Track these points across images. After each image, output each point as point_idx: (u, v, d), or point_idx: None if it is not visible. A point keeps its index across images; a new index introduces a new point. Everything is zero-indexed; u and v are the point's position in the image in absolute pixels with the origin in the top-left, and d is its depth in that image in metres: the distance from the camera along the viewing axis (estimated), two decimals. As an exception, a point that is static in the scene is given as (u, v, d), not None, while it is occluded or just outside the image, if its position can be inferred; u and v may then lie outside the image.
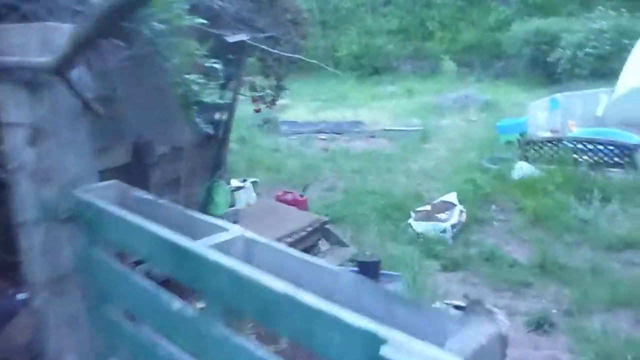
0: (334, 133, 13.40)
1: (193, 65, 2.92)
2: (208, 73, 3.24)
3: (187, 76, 2.93)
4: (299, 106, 17.65)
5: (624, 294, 5.28)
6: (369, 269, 4.33)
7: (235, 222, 4.61)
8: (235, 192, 6.11)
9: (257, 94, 9.29)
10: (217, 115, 4.29)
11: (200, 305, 3.86)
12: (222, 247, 1.40)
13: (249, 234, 1.53)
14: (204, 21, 2.91)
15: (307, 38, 8.43)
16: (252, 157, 11.08)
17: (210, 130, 3.70)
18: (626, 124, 11.57)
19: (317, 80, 23.87)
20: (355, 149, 11.73)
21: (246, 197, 6.16)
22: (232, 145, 12.24)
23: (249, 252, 1.49)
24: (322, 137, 13.14)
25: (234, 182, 7.40)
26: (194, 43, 2.75)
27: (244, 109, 10.72)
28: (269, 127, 14.08)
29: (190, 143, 4.16)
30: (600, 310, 5.14)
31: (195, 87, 3.02)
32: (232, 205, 4.57)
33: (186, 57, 2.72)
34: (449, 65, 19.24)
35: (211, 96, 3.78)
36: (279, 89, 9.20)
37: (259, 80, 9.62)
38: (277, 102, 14.15)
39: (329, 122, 15.07)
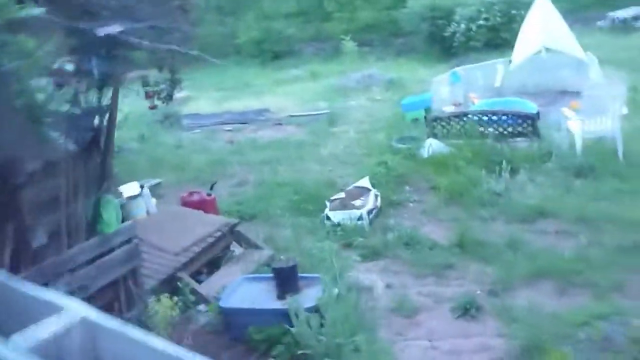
0: (239, 123, 12.85)
1: (41, 69, 2.40)
2: (64, 75, 2.71)
3: (35, 82, 2.40)
4: (202, 98, 16.90)
5: (543, 265, 5.27)
6: (285, 275, 3.98)
7: (130, 239, 4.11)
8: (132, 201, 5.56)
9: (151, 89, 8.66)
10: (95, 121, 3.75)
11: None
12: (51, 344, 0.98)
13: (92, 314, 1.11)
14: (42, 9, 2.34)
15: (199, 25, 7.88)
16: (154, 156, 10.40)
17: (70, 143, 3.20)
18: (523, 92, 11.91)
19: (218, 69, 23.04)
20: (262, 138, 11.29)
21: (145, 205, 5.61)
22: (132, 144, 11.54)
23: (91, 341, 1.08)
24: (228, 128, 12.58)
25: (130, 189, 6.80)
26: (31, 40, 2.22)
27: (142, 105, 10.04)
28: (171, 123, 13.32)
29: (66, 156, 3.61)
30: (523, 285, 5.09)
31: (41, 96, 2.48)
32: (124, 220, 4.05)
33: (25, 58, 2.19)
34: (349, 45, 19.07)
35: (66, 104, 3.25)
36: (175, 82, 8.57)
37: (152, 75, 9.01)
38: (174, 96, 13.44)
39: (233, 112, 14.48)
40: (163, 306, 3.43)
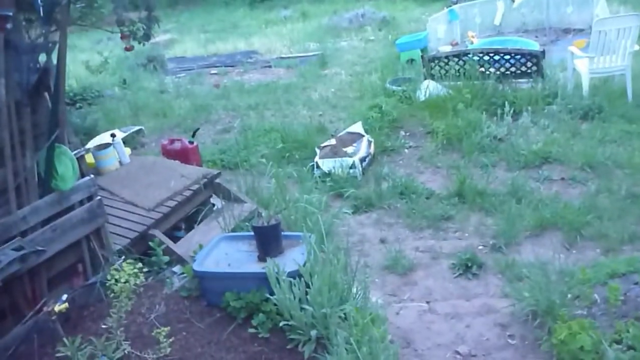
0: (226, 66, 12.24)
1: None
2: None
3: None
4: (187, 40, 16.22)
5: (549, 216, 4.88)
6: (266, 235, 3.55)
7: (91, 196, 3.64)
8: (102, 152, 5.08)
9: (126, 29, 8.02)
10: (40, 59, 3.22)
11: (57, 307, 2.89)
12: None
13: None
14: None
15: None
16: (136, 101, 9.86)
17: (12, 86, 2.69)
18: (524, 31, 11.33)
19: (205, 9, 22.18)
20: (250, 81, 10.72)
21: (117, 156, 5.13)
22: (113, 90, 10.96)
23: None
24: (214, 71, 11.97)
25: (101, 137, 6.31)
26: None
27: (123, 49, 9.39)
28: (154, 67, 12.69)
29: (8, 101, 3.10)
30: (528, 237, 4.72)
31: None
32: (84, 175, 3.58)
33: None
34: (341, -17, 18.22)
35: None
36: (151, 21, 7.96)
37: (129, 14, 8.35)
38: (157, 38, 12.77)
39: (220, 54, 13.86)
40: (125, 274, 3.02)
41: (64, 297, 3.34)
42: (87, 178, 3.62)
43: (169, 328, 3.08)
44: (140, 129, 8.36)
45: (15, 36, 3.11)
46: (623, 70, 7.03)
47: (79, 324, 3.45)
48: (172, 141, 6.58)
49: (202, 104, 9.34)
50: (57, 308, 3.21)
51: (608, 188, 5.25)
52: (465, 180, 5.53)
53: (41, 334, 3.26)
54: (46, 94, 3.42)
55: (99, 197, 3.72)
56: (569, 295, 3.56)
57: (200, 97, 9.90)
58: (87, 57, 12.29)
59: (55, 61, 3.33)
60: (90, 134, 7.64)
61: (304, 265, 3.17)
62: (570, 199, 5.18)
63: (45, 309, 3.27)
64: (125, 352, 2.98)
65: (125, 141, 7.40)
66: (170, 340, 3.08)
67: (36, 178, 3.40)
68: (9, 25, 3.04)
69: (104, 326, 3.11)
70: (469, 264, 4.32)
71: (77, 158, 3.52)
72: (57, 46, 3.23)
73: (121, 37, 8.19)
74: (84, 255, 3.73)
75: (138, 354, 3.04)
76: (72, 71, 11.88)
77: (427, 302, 4.02)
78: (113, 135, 5.52)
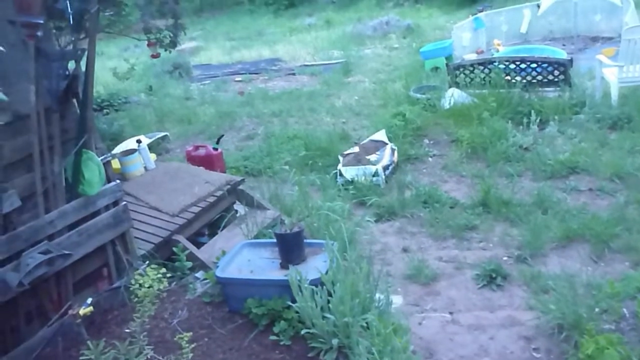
0: (250, 73, 12.34)
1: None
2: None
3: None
4: (212, 47, 16.42)
5: (576, 227, 4.79)
6: (289, 242, 3.55)
7: (117, 201, 3.69)
8: (128, 157, 5.14)
9: (153, 37, 8.15)
10: (69, 66, 3.28)
11: (82, 310, 2.92)
12: None
13: None
14: None
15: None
16: (162, 108, 10.00)
17: (42, 93, 2.72)
18: (551, 39, 11.20)
19: (230, 17, 22.42)
20: (274, 89, 10.78)
21: (142, 161, 5.18)
22: (139, 96, 11.12)
23: None
24: (238, 79, 12.08)
25: (129, 144, 6.39)
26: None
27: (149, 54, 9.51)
28: (180, 74, 12.88)
29: (39, 107, 3.16)
30: (554, 249, 4.63)
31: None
32: (110, 180, 3.62)
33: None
34: (366, -9, 18.28)
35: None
36: (177, 28, 8.09)
37: (155, 21, 8.48)
38: (183, 46, 12.91)
39: (245, 62, 13.99)
40: (149, 278, 3.04)
41: (89, 300, 3.38)
42: (113, 183, 3.66)
43: (191, 333, 3.09)
44: (166, 135, 8.46)
45: (45, 43, 3.17)
46: (653, 80, 6.90)
47: (103, 328, 3.48)
48: (196, 147, 6.64)
49: (226, 111, 9.42)
50: (82, 311, 3.25)
51: (637, 199, 5.13)
52: (490, 189, 5.46)
53: (66, 336, 3.30)
54: (74, 101, 3.46)
55: (124, 202, 3.77)
56: (597, 309, 3.49)
57: (225, 104, 9.99)
58: (115, 64, 12.50)
59: (83, 68, 3.37)
60: (117, 139, 7.76)
61: (326, 273, 3.15)
62: (598, 210, 5.08)
63: (70, 312, 3.31)
64: (148, 356, 3.00)
65: (151, 147, 7.50)
66: (193, 345, 3.08)
67: (64, 183, 3.45)
68: (39, 33, 3.10)
69: (127, 330, 3.13)
70: (494, 275, 4.26)
71: (103, 163, 3.56)
72: (86, 53, 3.28)
73: (148, 45, 8.34)
74: (109, 259, 3.77)
75: (160, 358, 3.05)
76: (100, 78, 12.09)
77: (450, 313, 3.97)
78: (139, 142, 5.59)
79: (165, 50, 8.10)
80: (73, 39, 3.28)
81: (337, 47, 13.61)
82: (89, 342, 2.95)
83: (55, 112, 3.33)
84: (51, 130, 3.33)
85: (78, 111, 3.47)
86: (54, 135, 3.34)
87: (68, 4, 3.20)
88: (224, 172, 6.20)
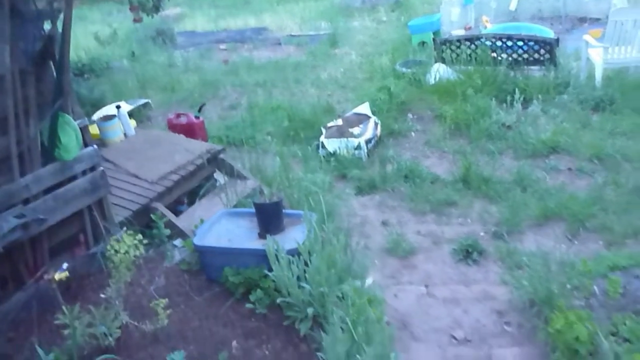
0: (236, 42, 12.16)
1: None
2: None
3: None
4: (197, 14, 16.09)
5: (553, 206, 4.84)
6: (268, 212, 3.55)
7: (94, 166, 3.64)
8: (107, 123, 5.07)
9: (135, 0, 7.99)
10: (45, 27, 3.19)
11: (58, 275, 2.90)
12: None
13: None
14: None
15: None
16: (144, 74, 9.81)
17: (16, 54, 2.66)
18: (539, 18, 11.18)
19: (217, -16, 21.99)
20: (259, 58, 10.64)
21: (122, 128, 5.12)
22: (121, 62, 10.92)
23: None
24: (223, 47, 11.90)
25: (107, 109, 6.30)
26: None
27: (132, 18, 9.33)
28: (164, 40, 12.61)
29: (14, 69, 3.08)
30: (531, 227, 4.68)
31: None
32: (87, 145, 3.57)
33: None
34: (356, -38, 17.98)
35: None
36: (161, -8, 7.93)
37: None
38: (167, 12, 12.67)
39: (230, 30, 13.76)
40: (125, 245, 3.02)
41: (65, 265, 3.37)
42: (90, 148, 3.62)
43: (167, 300, 3.10)
44: (147, 102, 8.34)
45: (20, 3, 3.08)
46: (638, 62, 6.93)
47: (79, 293, 3.47)
48: (178, 115, 6.56)
49: (210, 80, 9.30)
50: (57, 276, 3.23)
51: (615, 181, 5.20)
52: (471, 166, 5.49)
53: (41, 301, 3.29)
54: (51, 63, 3.39)
55: (101, 168, 3.73)
56: (568, 286, 3.53)
57: (209, 72, 9.85)
58: (98, 28, 12.24)
59: (60, 29, 3.29)
60: (97, 105, 7.63)
61: (304, 243, 3.16)
62: (576, 190, 5.13)
63: (46, 277, 3.29)
64: (123, 322, 3.00)
65: (132, 114, 7.40)
66: (168, 312, 3.09)
67: (39, 147, 3.40)
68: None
69: (103, 296, 3.12)
70: (470, 250, 4.31)
71: (80, 128, 3.51)
72: (63, 14, 3.20)
73: (130, 9, 8.18)
74: (85, 225, 3.74)
75: (136, 324, 3.06)
76: (81, 42, 11.85)
77: (426, 286, 4.02)
78: (118, 107, 5.51)
79: (148, 14, 7.95)
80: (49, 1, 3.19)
81: (324, 18, 13.44)
82: (64, 307, 2.94)
83: (31, 74, 3.26)
84: (26, 92, 3.27)
85: (54, 74, 3.39)
86: (29, 98, 3.28)
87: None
88: (206, 141, 6.15)
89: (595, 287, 3.49)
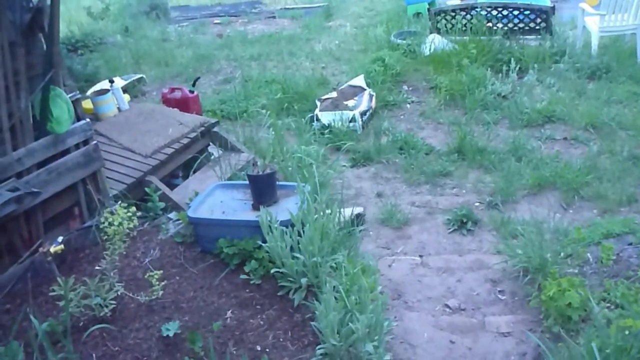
0: (230, 16, 12.03)
1: None
2: None
3: None
4: (191, -12, 15.89)
5: (548, 175, 4.86)
6: (261, 184, 3.54)
7: (87, 140, 3.63)
8: (101, 98, 5.03)
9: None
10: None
11: (53, 248, 2.91)
12: None
13: None
14: None
15: None
16: (138, 49, 9.72)
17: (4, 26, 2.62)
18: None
19: (211, -43, 21.65)
20: (253, 32, 10.55)
21: (115, 102, 5.08)
22: (115, 37, 10.81)
23: None
24: (217, 21, 11.78)
25: (102, 84, 6.25)
26: None
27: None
28: (157, 15, 12.47)
29: (3, 41, 3.05)
30: (526, 196, 4.71)
31: None
32: (80, 118, 3.54)
33: None
34: None
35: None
36: (153, -36, 7.79)
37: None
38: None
39: (224, 4, 13.60)
40: (118, 217, 3.02)
41: (60, 239, 3.38)
42: (83, 122, 3.59)
43: (161, 271, 3.11)
44: (142, 77, 8.28)
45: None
46: (634, 30, 6.89)
47: (75, 266, 3.48)
48: (172, 90, 6.51)
49: (204, 54, 9.22)
50: (52, 249, 3.24)
51: (610, 149, 5.21)
52: (466, 137, 5.49)
53: (37, 274, 3.30)
54: (40, 35, 3.35)
55: (95, 142, 3.71)
56: (562, 254, 3.57)
57: (203, 46, 9.76)
58: (90, 3, 12.08)
59: (49, 1, 3.25)
60: (92, 80, 7.58)
61: (297, 214, 3.16)
62: (571, 159, 5.15)
63: (41, 249, 3.30)
64: (118, 293, 3.02)
65: (127, 89, 7.35)
66: (163, 283, 3.11)
67: (31, 120, 3.37)
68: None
69: (98, 268, 3.13)
70: (464, 220, 4.32)
71: (73, 101, 3.48)
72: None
73: (122, -19, 8.04)
74: (80, 198, 3.73)
75: (131, 295, 3.08)
76: (74, 17, 11.71)
77: (420, 256, 4.05)
78: (111, 81, 5.46)
79: (141, -13, 7.81)
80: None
81: (319, -10, 13.29)
82: (58, 279, 2.95)
83: (20, 46, 3.21)
84: (16, 65, 3.22)
85: (44, 46, 3.36)
86: (19, 71, 3.24)
87: None
88: (200, 115, 6.13)
89: (589, 255, 3.52)
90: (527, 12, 7.33)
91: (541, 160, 5.13)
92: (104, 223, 3.05)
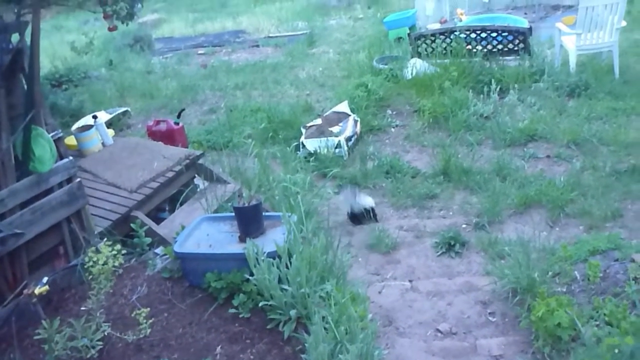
0: (213, 46, 12.14)
1: None
2: None
3: None
4: (175, 19, 16.02)
5: (533, 194, 4.90)
6: (247, 215, 3.54)
7: (70, 177, 3.62)
8: (85, 134, 5.04)
9: (109, 8, 7.90)
10: (13, 41, 3.16)
11: (38, 289, 2.87)
12: None
13: None
14: None
15: None
16: (123, 82, 9.77)
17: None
18: (513, 7, 11.26)
19: (193, -12, 21.88)
20: (237, 61, 10.63)
21: (99, 137, 5.08)
22: (99, 71, 10.84)
23: None
24: (201, 51, 11.87)
25: (86, 119, 6.26)
26: None
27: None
28: (141, 47, 12.56)
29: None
30: (512, 215, 4.73)
31: None
32: (62, 157, 3.54)
33: None
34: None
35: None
36: (134, 0, 7.85)
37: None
38: (144, 19, 12.55)
39: (208, 34, 13.72)
40: (103, 255, 3.00)
41: (45, 279, 3.34)
42: (66, 160, 3.58)
43: (149, 309, 3.08)
44: (127, 110, 8.31)
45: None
46: (610, 47, 7.01)
47: (61, 306, 3.44)
48: (157, 122, 6.54)
49: (189, 85, 9.28)
50: (37, 290, 3.20)
51: (593, 165, 5.27)
52: (451, 158, 5.53)
53: (22, 316, 3.25)
54: (21, 76, 3.36)
55: (79, 179, 3.70)
56: (550, 273, 3.58)
57: (187, 77, 9.83)
58: (74, 37, 12.16)
59: (29, 42, 3.26)
60: (77, 115, 7.60)
61: (283, 245, 3.15)
62: (555, 177, 5.19)
63: (25, 291, 3.26)
64: (105, 333, 2.97)
65: (112, 123, 7.37)
66: (151, 321, 3.07)
67: (13, 161, 3.36)
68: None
69: (84, 308, 3.09)
70: (452, 243, 4.34)
71: (55, 140, 3.48)
72: (31, 26, 3.17)
73: (104, 17, 8.06)
74: (64, 237, 3.71)
75: (118, 335, 3.03)
76: (58, 52, 11.75)
77: (410, 281, 4.04)
78: (95, 117, 5.47)
79: (123, 22, 7.85)
80: (16, 11, 3.16)
81: (301, 18, 13.45)
82: (44, 321, 2.92)
83: (1, 87, 3.22)
84: (-4, 106, 3.23)
85: (25, 86, 3.36)
86: (0, 111, 3.24)
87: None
88: (186, 147, 6.14)
89: (576, 272, 3.53)
90: (505, 34, 7.45)
91: (526, 179, 5.18)
92: (89, 262, 3.03)
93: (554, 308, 3.03)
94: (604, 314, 3.01)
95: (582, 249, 3.81)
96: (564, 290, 3.42)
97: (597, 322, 3.01)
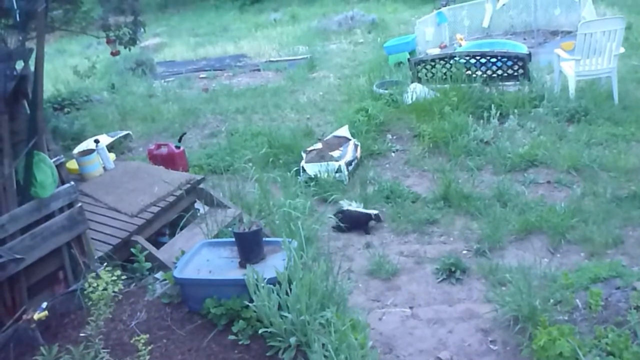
0: (215, 70, 12.23)
1: None
2: None
3: None
4: (177, 44, 16.19)
5: (534, 220, 4.89)
6: (247, 241, 3.53)
7: (71, 203, 3.62)
8: (86, 158, 5.05)
9: (112, 34, 8.02)
10: (17, 67, 3.19)
11: (37, 315, 2.85)
12: None
13: None
14: None
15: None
16: (124, 106, 9.82)
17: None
18: (512, 33, 11.39)
19: (195, 13, 22.14)
20: (238, 85, 10.70)
21: (101, 161, 5.09)
22: (101, 95, 10.91)
23: None
24: (203, 75, 11.96)
25: (87, 143, 6.29)
26: None
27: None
28: (143, 70, 12.65)
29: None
30: (512, 241, 4.72)
31: None
32: (64, 182, 3.54)
33: None
34: (331, -14, 18.27)
35: None
36: (137, 25, 7.96)
37: (116, 18, 8.33)
38: (146, 43, 12.69)
39: (209, 58, 13.84)
40: (102, 281, 2.99)
41: (44, 305, 3.33)
42: (67, 185, 3.59)
43: (148, 335, 3.06)
44: (128, 134, 8.34)
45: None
46: (609, 73, 7.06)
47: (59, 332, 3.41)
48: (158, 146, 6.57)
49: (190, 108, 9.32)
50: (36, 316, 3.19)
51: (593, 191, 5.27)
52: (451, 184, 5.53)
53: (20, 342, 3.23)
54: (24, 101, 3.38)
55: (79, 204, 3.70)
56: (551, 301, 3.56)
57: (189, 101, 9.87)
58: (77, 61, 12.26)
59: (33, 68, 3.29)
60: (78, 139, 7.62)
61: (283, 272, 3.14)
62: (555, 202, 5.19)
63: (24, 317, 3.24)
64: (104, 360, 2.96)
65: (113, 146, 7.39)
66: (150, 347, 3.05)
67: (15, 186, 3.37)
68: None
69: (82, 334, 3.08)
70: (453, 269, 4.32)
71: (57, 165, 3.49)
72: (35, 52, 3.20)
73: (107, 42, 8.20)
74: (64, 262, 3.70)
75: (116, 362, 3.02)
76: (61, 76, 11.86)
77: (410, 308, 4.02)
78: (97, 141, 5.50)
79: (125, 47, 7.96)
80: (20, 38, 3.20)
81: (302, 43, 13.58)
82: (42, 348, 2.90)
83: (4, 113, 3.24)
84: (0, 132, 3.25)
85: (28, 112, 3.38)
86: (3, 138, 3.26)
87: (14, 2, 3.12)
88: (187, 171, 6.16)
89: (578, 300, 3.51)
90: (504, 59, 7.52)
91: (526, 205, 5.17)
92: (88, 288, 3.02)
93: (556, 337, 3.02)
94: (606, 344, 2.98)
95: (583, 276, 3.79)
96: (566, 318, 3.40)
97: (600, 352, 2.99)
